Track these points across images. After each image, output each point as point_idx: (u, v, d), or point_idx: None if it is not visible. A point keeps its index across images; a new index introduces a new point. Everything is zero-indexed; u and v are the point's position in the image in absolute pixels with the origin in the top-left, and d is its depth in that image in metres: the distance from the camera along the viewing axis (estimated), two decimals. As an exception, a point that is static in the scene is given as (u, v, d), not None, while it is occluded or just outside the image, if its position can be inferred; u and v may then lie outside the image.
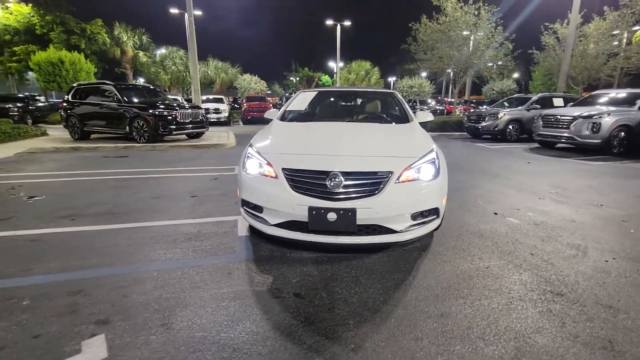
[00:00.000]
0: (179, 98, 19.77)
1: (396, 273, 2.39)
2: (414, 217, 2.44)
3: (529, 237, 3.05)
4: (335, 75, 28.23)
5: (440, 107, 22.95)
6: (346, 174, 2.33)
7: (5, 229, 3.11)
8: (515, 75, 37.33)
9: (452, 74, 13.57)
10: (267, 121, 3.67)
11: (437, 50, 12.85)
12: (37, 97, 19.33)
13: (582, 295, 2.12)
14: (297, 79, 31.82)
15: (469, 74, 14.26)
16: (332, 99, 4.35)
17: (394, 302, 2.05)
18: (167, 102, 9.84)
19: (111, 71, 24.60)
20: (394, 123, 3.35)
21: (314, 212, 2.27)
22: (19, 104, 16.44)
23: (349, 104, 4.24)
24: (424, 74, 26.55)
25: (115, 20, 22.99)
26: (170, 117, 9.01)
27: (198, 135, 10.64)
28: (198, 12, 23.29)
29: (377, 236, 2.37)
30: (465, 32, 12.08)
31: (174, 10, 22.38)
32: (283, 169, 2.43)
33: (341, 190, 2.29)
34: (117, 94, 9.17)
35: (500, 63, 12.71)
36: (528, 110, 10.63)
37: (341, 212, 2.25)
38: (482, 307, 1.99)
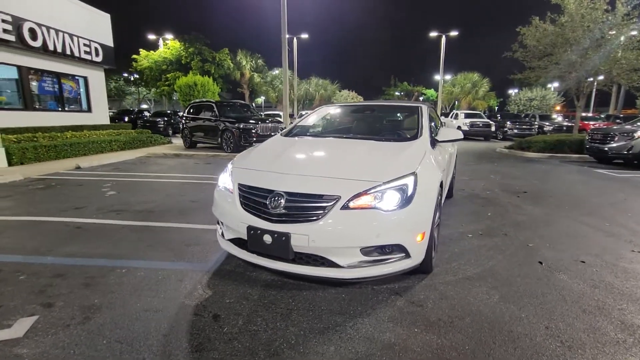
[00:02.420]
0: (281, 113, 21.73)
1: (338, 315, 2.04)
2: (367, 252, 2.06)
3: (565, 303, 2.19)
4: (441, 89, 26.50)
5: (569, 123, 18.88)
6: (290, 195, 2.13)
7: (71, 216, 3.93)
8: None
9: (575, 83, 10.97)
10: None
11: (554, 57, 10.64)
12: (178, 113, 24.21)
13: (570, 408, 1.40)
14: (397, 93, 31.06)
15: (600, 83, 11.32)
16: (347, 115, 4.09)
17: (303, 349, 1.75)
18: (254, 117, 10.96)
19: (234, 91, 29.01)
20: (394, 141, 2.91)
21: (252, 232, 2.16)
22: (165, 119, 20.94)
23: (363, 119, 3.90)
24: (555, 84, 22.43)
25: (238, 48, 27.23)
26: (252, 130, 9.98)
27: (279, 148, 11.42)
28: (305, 35, 25.46)
29: (315, 268, 2.08)
30: (602, 32, 9.62)
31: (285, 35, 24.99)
32: (238, 184, 2.39)
33: (281, 211, 2.11)
34: (215, 110, 10.68)
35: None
36: (687, 128, 7.79)
37: (275, 235, 2.07)
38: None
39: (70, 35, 11.34)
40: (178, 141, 14.27)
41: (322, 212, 2.05)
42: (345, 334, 1.87)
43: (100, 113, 13.43)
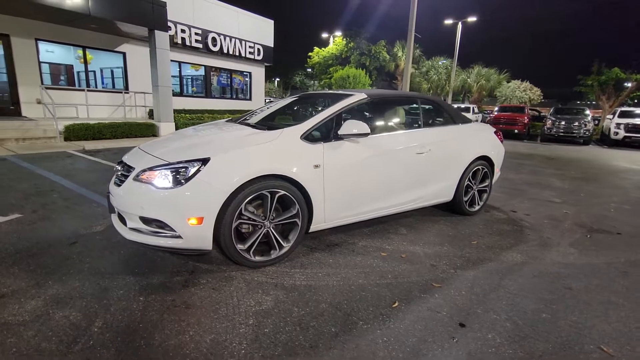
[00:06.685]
0: (473, 107, 20.54)
1: (176, 275, 2.37)
2: (146, 221, 2.27)
3: None
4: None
5: None
6: (124, 165, 2.59)
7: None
8: None
9: None
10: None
11: None
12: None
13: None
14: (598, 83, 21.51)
15: None
16: (291, 104, 3.94)
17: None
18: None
19: (390, 83, 29.15)
20: (269, 129, 2.73)
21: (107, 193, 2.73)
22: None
23: (296, 109, 3.70)
24: None
25: (397, 39, 26.87)
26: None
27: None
28: (473, 18, 22.51)
29: (119, 223, 2.46)
30: None
31: (448, 21, 22.89)
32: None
33: (119, 177, 2.59)
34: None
35: None
36: None
37: (107, 193, 2.59)
38: None
39: (240, 40, 14.64)
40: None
41: (127, 179, 2.41)
42: (133, 288, 2.21)
43: (258, 101, 16.76)
